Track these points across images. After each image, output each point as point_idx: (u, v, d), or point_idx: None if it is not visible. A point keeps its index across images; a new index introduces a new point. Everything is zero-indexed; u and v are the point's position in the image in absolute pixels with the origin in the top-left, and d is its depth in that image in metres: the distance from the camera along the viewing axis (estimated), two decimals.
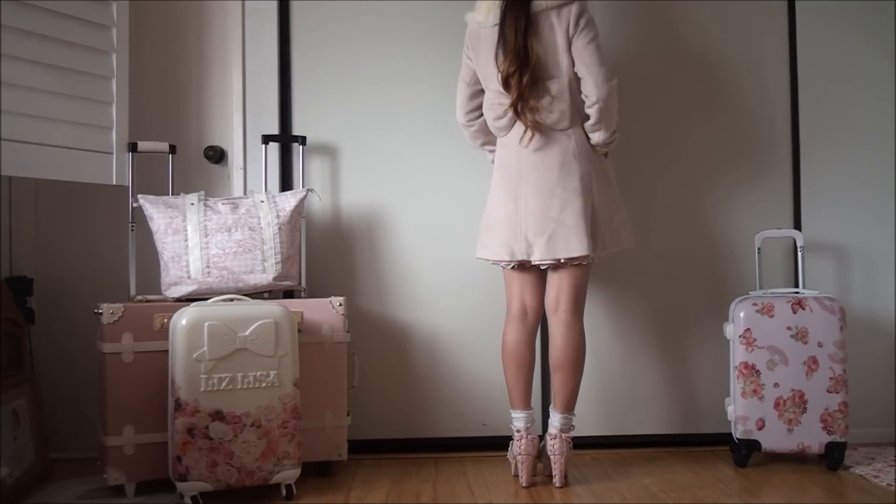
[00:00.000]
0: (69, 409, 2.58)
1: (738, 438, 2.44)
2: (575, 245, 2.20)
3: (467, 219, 2.60)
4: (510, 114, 2.25)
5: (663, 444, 2.69)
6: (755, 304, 2.44)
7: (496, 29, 2.22)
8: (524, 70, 2.19)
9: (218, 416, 2.04)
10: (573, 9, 2.21)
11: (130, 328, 2.17)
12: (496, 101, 2.27)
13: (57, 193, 2.61)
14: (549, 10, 2.20)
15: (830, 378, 2.39)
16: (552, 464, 2.25)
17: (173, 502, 2.10)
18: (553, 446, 2.25)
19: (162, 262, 2.30)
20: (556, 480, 2.24)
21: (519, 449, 2.26)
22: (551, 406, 2.32)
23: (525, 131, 2.24)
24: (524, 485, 2.25)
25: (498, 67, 2.22)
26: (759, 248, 2.63)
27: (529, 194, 2.24)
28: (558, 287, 2.30)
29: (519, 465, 2.26)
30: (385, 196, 2.68)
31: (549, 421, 2.31)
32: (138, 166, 2.44)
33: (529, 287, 2.32)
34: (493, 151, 2.39)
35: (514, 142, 2.28)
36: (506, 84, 2.21)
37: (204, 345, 2.03)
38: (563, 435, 2.26)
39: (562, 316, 2.29)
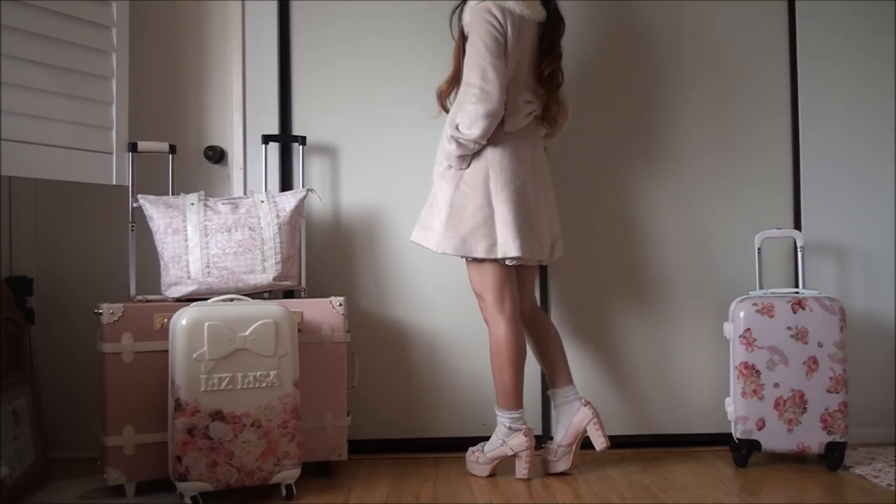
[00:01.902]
0: (69, 409, 2.58)
1: (738, 438, 2.44)
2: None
3: None
4: (533, 109, 2.31)
5: (663, 444, 2.69)
6: (755, 304, 2.44)
7: (537, 26, 2.29)
8: (561, 72, 2.35)
9: (218, 416, 2.04)
10: None
11: (130, 328, 2.17)
12: (524, 94, 2.30)
13: (57, 193, 2.61)
14: None
15: (830, 378, 2.39)
16: (596, 430, 2.32)
17: (173, 502, 2.10)
18: (589, 412, 2.33)
19: (162, 262, 2.30)
20: (604, 441, 2.32)
21: (526, 445, 2.28)
22: (562, 385, 2.39)
23: (539, 130, 2.38)
24: (528, 478, 2.28)
25: (536, 64, 2.31)
26: (759, 248, 2.63)
27: (547, 193, 2.39)
28: (531, 287, 2.50)
29: (525, 460, 2.28)
30: (385, 196, 2.68)
31: (567, 397, 2.38)
32: (138, 166, 2.44)
33: (515, 285, 2.37)
34: (480, 146, 2.24)
35: (526, 139, 2.33)
36: (549, 80, 2.31)
37: (204, 345, 2.03)
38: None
39: (538, 311, 2.50)
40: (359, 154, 2.68)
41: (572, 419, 2.34)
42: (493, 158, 2.25)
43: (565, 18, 2.36)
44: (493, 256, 2.24)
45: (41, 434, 2.34)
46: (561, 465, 2.34)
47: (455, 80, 2.32)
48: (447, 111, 2.35)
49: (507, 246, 2.22)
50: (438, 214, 2.30)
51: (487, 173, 2.25)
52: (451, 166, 2.29)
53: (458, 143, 2.23)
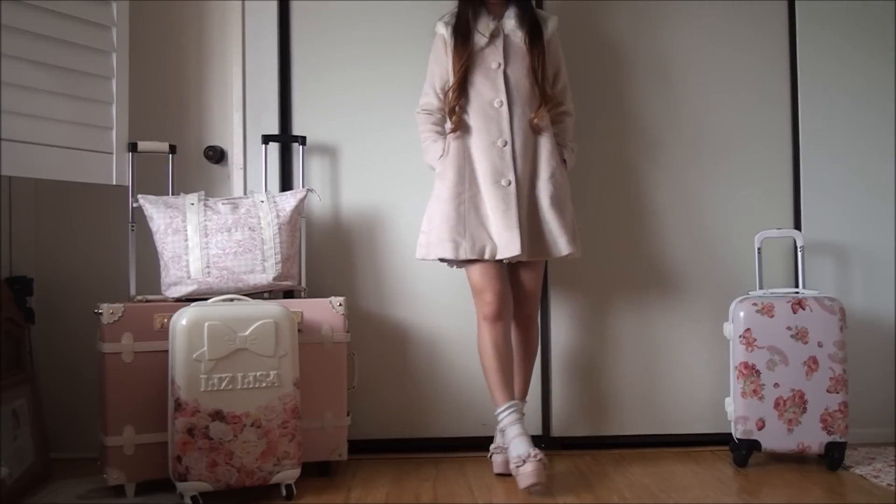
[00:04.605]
0: (69, 409, 2.58)
1: (738, 438, 2.44)
2: None
3: None
4: None
5: (663, 444, 2.69)
6: (755, 304, 2.44)
7: None
8: None
9: (218, 416, 2.04)
10: None
11: (130, 328, 2.17)
12: None
13: (57, 193, 2.61)
14: None
15: (830, 378, 2.39)
16: None
17: (173, 502, 2.10)
18: None
19: (162, 262, 2.30)
20: None
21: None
22: None
23: None
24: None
25: None
26: (759, 248, 2.63)
27: None
28: None
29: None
30: (385, 196, 2.68)
31: None
32: (138, 166, 2.44)
33: None
34: None
35: None
36: None
37: (204, 345, 2.03)
38: None
39: None
40: (359, 154, 2.68)
41: None
42: None
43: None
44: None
45: (41, 434, 2.34)
46: None
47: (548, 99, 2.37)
48: (540, 132, 2.34)
49: None
50: (572, 213, 2.37)
51: None
52: None
53: None
